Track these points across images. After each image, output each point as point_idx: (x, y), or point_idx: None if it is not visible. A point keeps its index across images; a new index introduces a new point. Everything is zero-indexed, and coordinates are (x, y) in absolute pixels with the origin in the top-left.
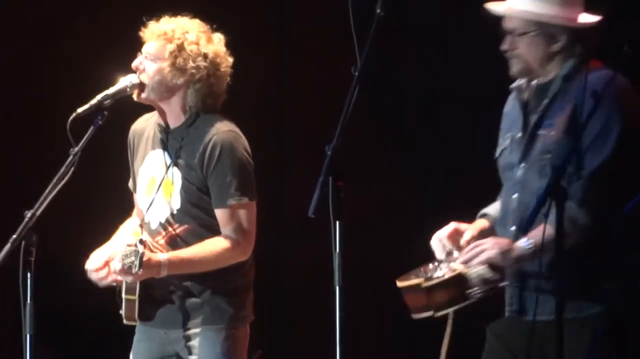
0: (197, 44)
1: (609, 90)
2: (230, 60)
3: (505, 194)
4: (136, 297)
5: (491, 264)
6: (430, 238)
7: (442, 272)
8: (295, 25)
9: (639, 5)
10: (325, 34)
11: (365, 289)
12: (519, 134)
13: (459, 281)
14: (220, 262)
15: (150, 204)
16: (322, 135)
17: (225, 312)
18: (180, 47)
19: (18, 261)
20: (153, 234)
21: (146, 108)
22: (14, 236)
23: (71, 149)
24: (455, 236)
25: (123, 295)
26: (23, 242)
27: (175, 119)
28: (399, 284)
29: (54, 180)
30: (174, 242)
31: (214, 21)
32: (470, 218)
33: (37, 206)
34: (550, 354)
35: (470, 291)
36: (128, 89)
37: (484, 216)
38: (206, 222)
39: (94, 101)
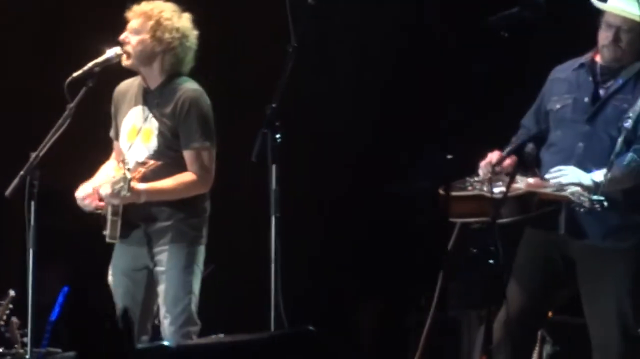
0: (171, 20)
1: None
2: (196, 33)
3: (566, 141)
4: (119, 218)
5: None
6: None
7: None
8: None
9: None
10: (268, 17)
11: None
12: (586, 99)
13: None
14: (186, 192)
15: (131, 146)
16: (265, 97)
17: (186, 234)
18: (158, 23)
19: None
20: (132, 169)
21: (126, 73)
22: (21, 172)
23: (67, 105)
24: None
25: (109, 216)
26: (28, 177)
27: (154, 81)
28: (461, 193)
29: (54, 128)
30: (149, 175)
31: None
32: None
33: (40, 148)
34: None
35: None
36: (113, 59)
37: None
38: (175, 160)
39: (86, 68)
